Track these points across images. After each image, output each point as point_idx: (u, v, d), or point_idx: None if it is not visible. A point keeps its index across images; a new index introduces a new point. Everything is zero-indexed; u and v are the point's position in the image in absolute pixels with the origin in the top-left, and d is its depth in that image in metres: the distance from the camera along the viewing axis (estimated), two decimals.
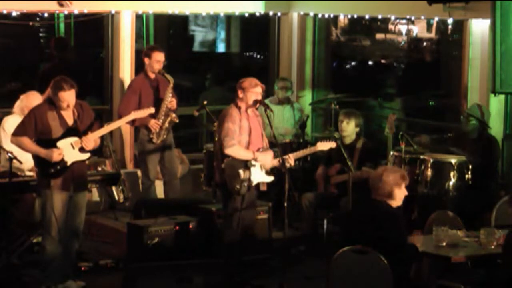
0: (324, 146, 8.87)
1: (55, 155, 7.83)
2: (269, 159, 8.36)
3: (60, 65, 10.46)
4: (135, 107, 9.51)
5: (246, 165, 8.25)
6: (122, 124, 8.58)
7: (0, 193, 8.56)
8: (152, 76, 9.94)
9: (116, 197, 10.53)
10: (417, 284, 6.99)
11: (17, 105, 9.24)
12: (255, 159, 8.27)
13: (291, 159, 8.40)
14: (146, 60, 9.91)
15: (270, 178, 8.45)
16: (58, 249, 7.98)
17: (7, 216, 8.65)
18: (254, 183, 8.32)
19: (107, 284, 8.51)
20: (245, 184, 8.23)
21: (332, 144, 8.88)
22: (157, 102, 9.82)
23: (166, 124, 9.88)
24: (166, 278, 7.72)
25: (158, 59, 9.85)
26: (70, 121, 7.97)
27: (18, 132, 7.93)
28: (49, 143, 7.87)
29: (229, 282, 8.26)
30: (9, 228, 8.69)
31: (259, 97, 8.33)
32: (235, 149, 8.23)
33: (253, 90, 8.28)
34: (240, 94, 8.31)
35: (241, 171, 8.21)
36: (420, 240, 7.18)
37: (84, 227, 8.32)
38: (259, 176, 8.35)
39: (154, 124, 9.79)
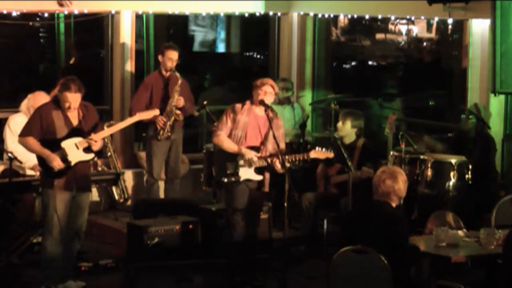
0: (318, 154, 8.52)
1: (55, 164, 7.82)
2: (252, 155, 8.31)
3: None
4: (146, 103, 9.86)
5: (235, 159, 8.25)
6: (127, 125, 8.61)
7: (0, 193, 8.57)
8: (165, 73, 10.06)
9: (116, 197, 10.55)
10: (417, 284, 6.99)
11: (24, 103, 9.23)
12: (239, 152, 8.24)
13: (278, 164, 8.24)
14: (160, 57, 10.09)
15: (259, 177, 8.42)
16: (59, 249, 7.98)
17: (7, 216, 8.65)
18: (241, 179, 8.30)
19: (107, 284, 8.51)
20: (232, 178, 8.23)
21: (329, 154, 8.58)
22: (167, 99, 9.98)
23: (171, 121, 9.97)
24: (166, 278, 7.72)
25: (170, 57, 10.00)
26: (74, 122, 7.99)
27: (24, 132, 7.95)
28: (54, 142, 7.88)
29: (229, 282, 8.27)
30: (9, 228, 8.69)
31: (264, 97, 8.32)
32: (220, 139, 8.28)
33: (260, 89, 8.31)
34: (253, 92, 8.41)
35: (228, 164, 8.23)
36: (420, 240, 7.17)
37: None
38: (246, 173, 8.33)
39: (160, 120, 9.89)
